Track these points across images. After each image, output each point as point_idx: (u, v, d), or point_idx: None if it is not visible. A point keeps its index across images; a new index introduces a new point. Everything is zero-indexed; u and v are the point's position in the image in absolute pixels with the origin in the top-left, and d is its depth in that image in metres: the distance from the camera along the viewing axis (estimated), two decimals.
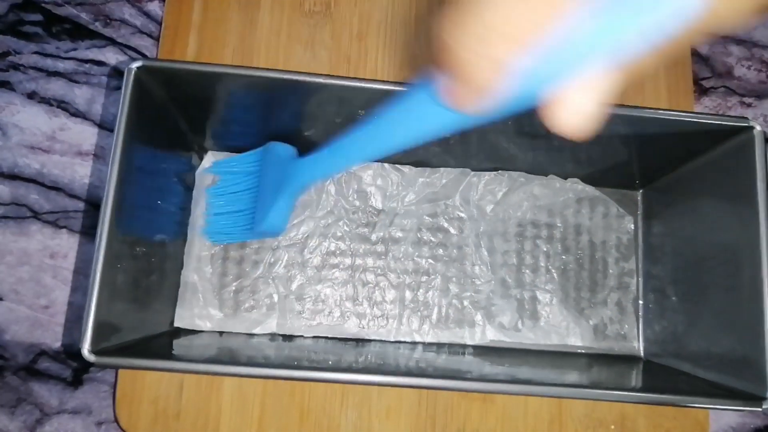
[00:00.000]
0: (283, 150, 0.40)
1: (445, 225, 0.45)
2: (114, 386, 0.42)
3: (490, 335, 0.44)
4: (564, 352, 0.44)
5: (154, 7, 0.48)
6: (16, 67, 0.47)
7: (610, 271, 0.45)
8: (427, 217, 0.45)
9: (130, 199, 0.33)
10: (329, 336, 0.43)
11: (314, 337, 0.43)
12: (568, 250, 0.45)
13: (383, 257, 0.44)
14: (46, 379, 0.43)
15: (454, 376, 0.35)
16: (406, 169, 0.45)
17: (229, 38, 0.46)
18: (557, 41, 0.15)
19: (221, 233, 0.42)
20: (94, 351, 0.30)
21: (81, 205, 0.45)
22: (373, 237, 0.44)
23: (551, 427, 0.42)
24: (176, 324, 0.42)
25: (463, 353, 0.42)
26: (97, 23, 0.48)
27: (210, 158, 0.45)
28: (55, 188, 0.45)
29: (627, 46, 0.15)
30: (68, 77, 0.47)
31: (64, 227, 0.45)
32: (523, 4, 0.14)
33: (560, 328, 0.44)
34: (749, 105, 0.50)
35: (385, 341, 0.43)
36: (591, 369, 0.42)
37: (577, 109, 0.16)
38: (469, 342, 0.44)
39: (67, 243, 0.44)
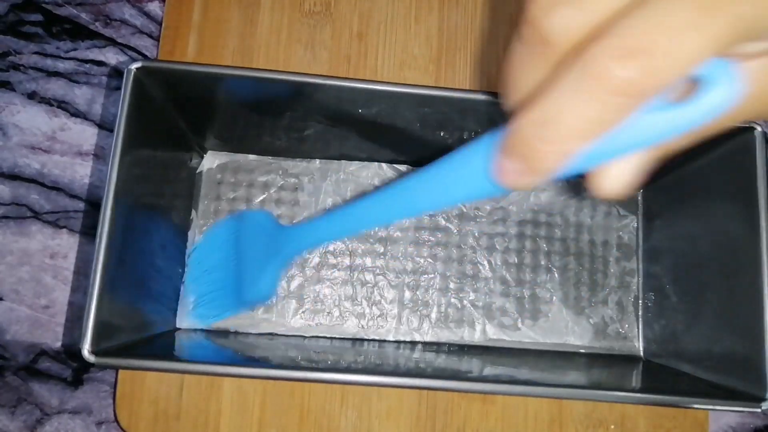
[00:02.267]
0: (262, 217, 0.40)
1: (444, 224, 0.45)
2: (114, 386, 0.42)
3: (490, 334, 0.44)
4: (564, 352, 0.44)
5: (154, 8, 0.48)
6: (16, 67, 0.47)
7: (611, 270, 0.45)
8: (425, 217, 0.45)
9: (130, 200, 0.33)
10: (328, 336, 0.43)
11: (313, 337, 0.43)
12: (568, 249, 0.45)
13: (382, 257, 0.44)
14: (46, 379, 0.43)
15: (454, 376, 0.35)
16: (403, 168, 0.45)
17: (229, 38, 0.46)
18: (616, 133, 0.17)
19: (210, 315, 0.42)
20: (95, 351, 0.30)
21: (81, 205, 0.45)
22: (372, 237, 0.45)
23: (551, 428, 0.42)
24: (176, 324, 0.42)
25: (463, 353, 0.42)
26: (97, 23, 0.48)
27: (210, 158, 0.45)
28: (56, 188, 0.45)
29: (672, 134, 0.17)
30: (68, 77, 0.47)
31: (65, 227, 0.45)
32: (598, 105, 0.15)
33: (560, 326, 0.44)
34: None
35: (384, 341, 0.43)
36: (591, 369, 0.42)
37: (617, 179, 0.19)
38: (469, 341, 0.44)
39: (68, 243, 0.44)
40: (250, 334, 0.43)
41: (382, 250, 0.44)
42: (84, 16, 0.48)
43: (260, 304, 0.42)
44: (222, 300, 0.40)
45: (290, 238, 0.37)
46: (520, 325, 0.44)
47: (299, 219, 0.44)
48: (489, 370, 0.39)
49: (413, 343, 0.43)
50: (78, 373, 0.43)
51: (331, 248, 0.44)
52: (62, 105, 0.46)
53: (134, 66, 0.33)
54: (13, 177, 0.45)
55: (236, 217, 0.42)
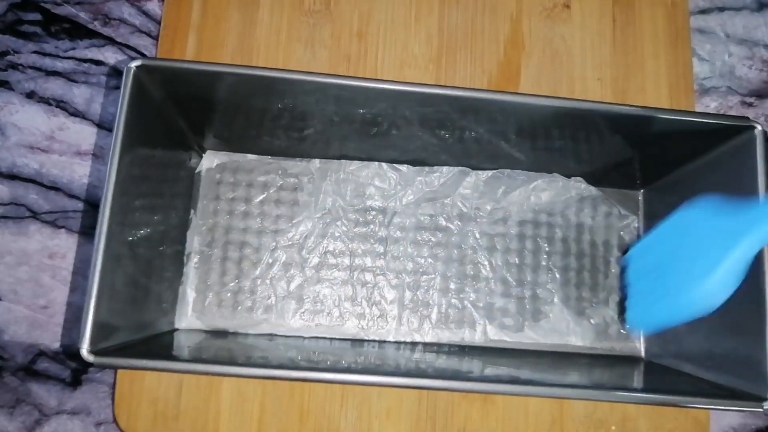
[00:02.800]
0: (707, 205, 0.33)
1: (445, 224, 0.45)
2: (113, 387, 0.42)
3: (490, 334, 0.44)
4: (565, 352, 0.44)
5: (153, 7, 0.48)
6: (14, 66, 0.46)
7: (612, 270, 0.45)
8: (426, 217, 0.45)
9: (129, 199, 0.33)
10: (328, 336, 0.43)
11: (313, 337, 0.43)
12: (569, 249, 0.45)
13: (382, 257, 0.44)
14: (44, 380, 0.43)
15: (455, 376, 0.35)
16: (404, 168, 0.45)
17: (228, 37, 0.46)
18: None
19: (652, 320, 0.38)
20: (93, 351, 0.30)
21: (80, 205, 0.45)
22: (372, 237, 0.44)
23: (552, 428, 0.42)
24: (175, 324, 0.42)
25: (464, 354, 0.42)
26: (96, 22, 0.48)
27: (209, 158, 0.45)
28: (54, 188, 0.45)
29: None
30: (67, 77, 0.46)
31: (63, 227, 0.44)
32: None
33: (561, 327, 0.44)
34: (750, 104, 0.50)
35: (384, 341, 0.43)
36: (592, 370, 0.41)
37: None
38: (470, 341, 0.43)
39: (66, 243, 0.44)
40: (250, 334, 0.42)
41: (382, 250, 0.44)
42: (83, 15, 0.48)
43: (708, 311, 0.34)
44: (664, 306, 0.35)
45: (755, 219, 0.29)
46: (521, 325, 0.44)
47: (299, 218, 0.44)
48: (490, 371, 0.38)
49: (414, 344, 0.43)
50: (77, 373, 0.43)
51: (330, 248, 0.44)
52: (61, 104, 0.46)
53: (134, 64, 0.32)
54: (12, 177, 0.45)
55: (680, 212, 0.36)
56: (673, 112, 0.36)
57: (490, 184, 0.46)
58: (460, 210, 0.45)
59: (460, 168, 0.45)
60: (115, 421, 0.41)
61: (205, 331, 0.42)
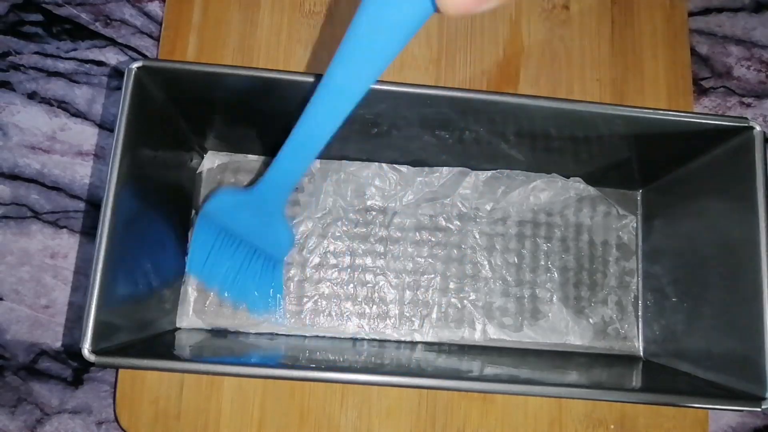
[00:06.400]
0: (225, 197, 0.39)
1: (444, 224, 0.45)
2: (114, 386, 0.42)
3: (490, 334, 0.44)
4: (564, 351, 0.44)
5: (154, 8, 0.48)
6: (16, 67, 0.47)
7: (611, 270, 0.45)
8: (425, 217, 0.45)
9: (131, 199, 0.33)
10: (329, 336, 0.43)
11: (314, 336, 0.43)
12: (568, 249, 0.45)
13: (382, 257, 0.44)
14: (46, 379, 0.43)
15: (454, 375, 0.35)
16: (404, 168, 0.45)
17: (229, 38, 0.47)
18: None
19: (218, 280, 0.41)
20: (95, 351, 0.30)
21: (81, 205, 0.45)
22: (372, 237, 0.45)
23: (551, 427, 0.42)
24: (177, 324, 0.42)
25: (464, 353, 0.42)
26: (97, 23, 0.48)
27: (211, 158, 0.45)
28: (56, 188, 0.45)
29: None
30: (68, 77, 0.47)
31: (65, 227, 0.45)
32: None
33: (560, 326, 0.44)
34: (749, 105, 0.50)
35: (384, 341, 0.43)
36: (591, 369, 0.42)
37: None
38: (469, 340, 0.44)
39: (68, 243, 0.44)
40: (250, 333, 0.43)
41: (382, 250, 0.44)
42: (84, 16, 0.48)
43: (287, 255, 0.42)
44: (251, 282, 0.41)
45: (267, 190, 0.37)
46: (520, 324, 0.44)
47: (299, 219, 0.44)
48: (489, 370, 0.39)
49: (413, 343, 0.43)
50: (78, 372, 0.43)
51: (331, 248, 0.44)
52: (62, 105, 0.46)
53: (135, 65, 0.33)
54: (14, 177, 0.45)
55: (202, 212, 0.40)
56: (672, 112, 0.36)
57: (489, 184, 0.46)
58: (459, 210, 0.45)
59: (459, 168, 0.46)
60: (116, 420, 0.41)
61: (206, 331, 0.42)
